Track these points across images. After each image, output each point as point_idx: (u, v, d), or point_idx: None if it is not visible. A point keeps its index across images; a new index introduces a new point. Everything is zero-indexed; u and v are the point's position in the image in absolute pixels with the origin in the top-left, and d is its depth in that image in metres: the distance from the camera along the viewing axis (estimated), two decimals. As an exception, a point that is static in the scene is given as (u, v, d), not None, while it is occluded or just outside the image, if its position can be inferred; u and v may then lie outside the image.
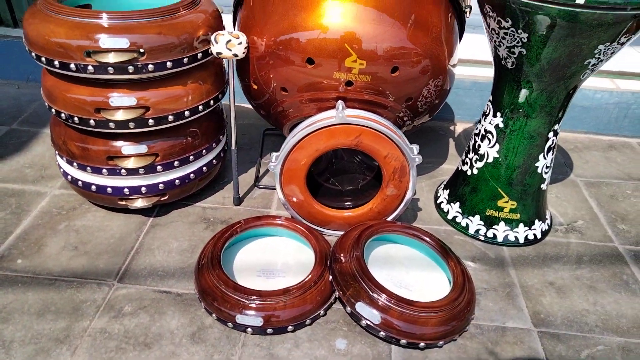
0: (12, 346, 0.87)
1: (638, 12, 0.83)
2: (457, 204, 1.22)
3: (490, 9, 0.96)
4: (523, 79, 1.00)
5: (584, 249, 1.19)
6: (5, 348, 0.86)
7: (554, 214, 1.30)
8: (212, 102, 1.11)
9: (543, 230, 1.20)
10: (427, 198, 1.32)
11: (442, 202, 1.27)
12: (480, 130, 1.15)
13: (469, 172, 1.18)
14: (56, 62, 0.95)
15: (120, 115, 0.99)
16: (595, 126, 1.64)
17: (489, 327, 0.97)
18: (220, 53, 1.00)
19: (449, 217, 1.23)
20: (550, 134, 1.07)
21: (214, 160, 1.21)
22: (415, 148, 1.05)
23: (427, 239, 1.06)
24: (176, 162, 1.11)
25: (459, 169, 1.23)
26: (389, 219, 1.12)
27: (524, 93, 1.02)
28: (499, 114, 1.08)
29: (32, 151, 1.40)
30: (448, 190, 1.26)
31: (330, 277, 0.96)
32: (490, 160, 1.13)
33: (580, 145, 1.62)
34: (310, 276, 0.96)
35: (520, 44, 0.94)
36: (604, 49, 0.90)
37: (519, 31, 0.92)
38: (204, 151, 1.16)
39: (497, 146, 1.11)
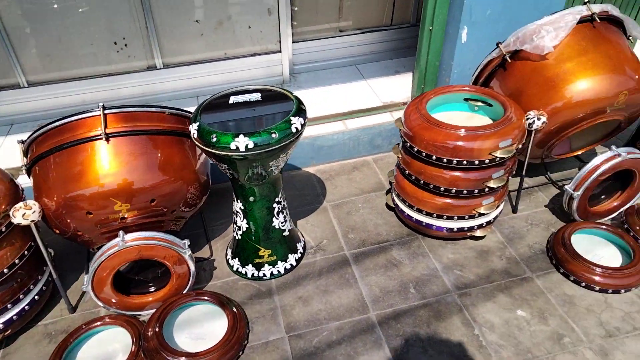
0: None
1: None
2: (237, 259, 1.74)
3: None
4: (242, 183, 1.53)
5: (325, 262, 1.78)
6: None
7: (307, 240, 1.88)
8: (26, 252, 1.48)
9: (296, 259, 1.77)
10: (220, 256, 1.83)
11: (229, 258, 1.79)
12: (234, 210, 1.67)
13: (237, 238, 1.71)
14: None
15: (-44, 290, 1.35)
16: (342, 155, 2.26)
17: (257, 345, 1.51)
18: (20, 223, 1.39)
19: (235, 269, 1.75)
20: (275, 205, 1.62)
21: (43, 287, 1.57)
22: (186, 242, 1.54)
23: (207, 297, 1.57)
24: (9, 305, 1.46)
25: (233, 235, 1.75)
26: (185, 290, 1.61)
27: (247, 192, 1.55)
28: (239, 200, 1.61)
29: None
30: (231, 249, 1.78)
31: (142, 355, 1.44)
32: (244, 229, 1.66)
33: (334, 172, 2.23)
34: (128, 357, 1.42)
35: (227, 170, 1.46)
36: (276, 162, 1.45)
37: (222, 164, 1.44)
38: (31, 286, 1.52)
39: (245, 220, 1.63)
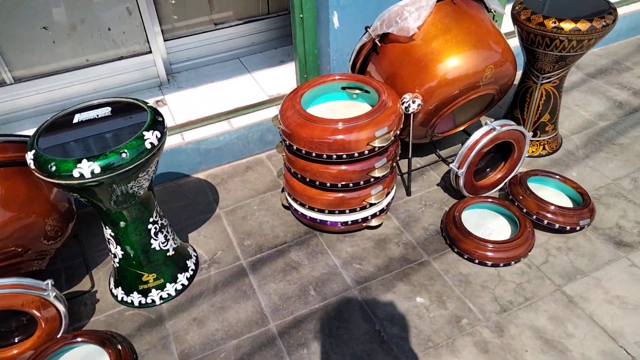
0: None
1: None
2: (120, 287, 1.58)
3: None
4: (108, 209, 1.36)
5: (220, 276, 1.67)
6: None
7: (200, 254, 1.75)
8: None
9: (188, 277, 1.64)
10: (104, 286, 1.65)
11: (112, 288, 1.62)
12: (106, 237, 1.49)
13: (116, 266, 1.54)
14: None
15: None
16: (233, 156, 2.13)
17: (148, 381, 1.38)
18: None
19: (119, 298, 1.59)
20: (150, 225, 1.47)
21: None
22: (49, 283, 1.36)
23: (85, 338, 1.40)
24: None
25: (112, 264, 1.58)
26: (60, 334, 1.43)
27: (114, 217, 1.38)
28: (107, 227, 1.44)
29: None
30: (113, 278, 1.61)
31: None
32: (120, 256, 1.49)
33: (226, 175, 2.10)
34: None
35: (87, 201, 1.29)
36: (136, 182, 1.30)
37: (73, 194, 1.27)
38: None
39: (119, 247, 1.47)
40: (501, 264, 1.61)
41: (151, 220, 1.47)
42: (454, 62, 1.63)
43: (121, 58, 2.22)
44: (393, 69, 1.74)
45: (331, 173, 1.55)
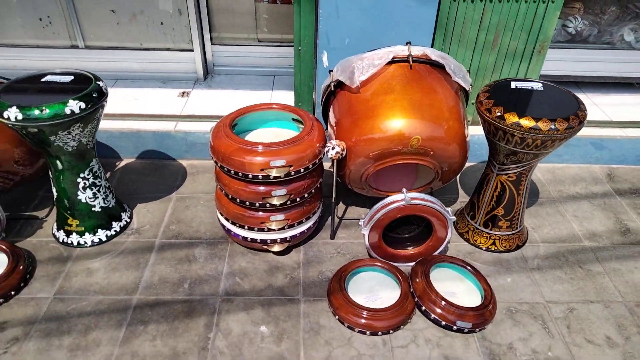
0: None
1: None
2: (56, 222, 1.91)
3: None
4: (48, 153, 1.69)
5: (132, 245, 1.90)
6: None
7: (133, 222, 2.00)
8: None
9: (108, 235, 1.90)
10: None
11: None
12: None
13: (55, 203, 1.87)
14: None
15: None
16: (215, 155, 2.36)
17: (23, 298, 1.66)
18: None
19: (53, 231, 1.92)
20: (80, 179, 1.77)
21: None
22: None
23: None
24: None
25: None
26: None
27: (51, 160, 1.71)
28: (50, 169, 1.77)
29: None
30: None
31: None
32: (55, 196, 1.82)
33: (202, 169, 2.33)
34: None
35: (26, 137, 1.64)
36: (57, 137, 1.60)
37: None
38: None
39: (54, 188, 1.80)
40: (356, 330, 1.57)
41: (82, 175, 1.77)
42: (379, 123, 1.65)
43: (168, 49, 2.61)
44: (340, 115, 1.81)
45: (232, 187, 1.69)
